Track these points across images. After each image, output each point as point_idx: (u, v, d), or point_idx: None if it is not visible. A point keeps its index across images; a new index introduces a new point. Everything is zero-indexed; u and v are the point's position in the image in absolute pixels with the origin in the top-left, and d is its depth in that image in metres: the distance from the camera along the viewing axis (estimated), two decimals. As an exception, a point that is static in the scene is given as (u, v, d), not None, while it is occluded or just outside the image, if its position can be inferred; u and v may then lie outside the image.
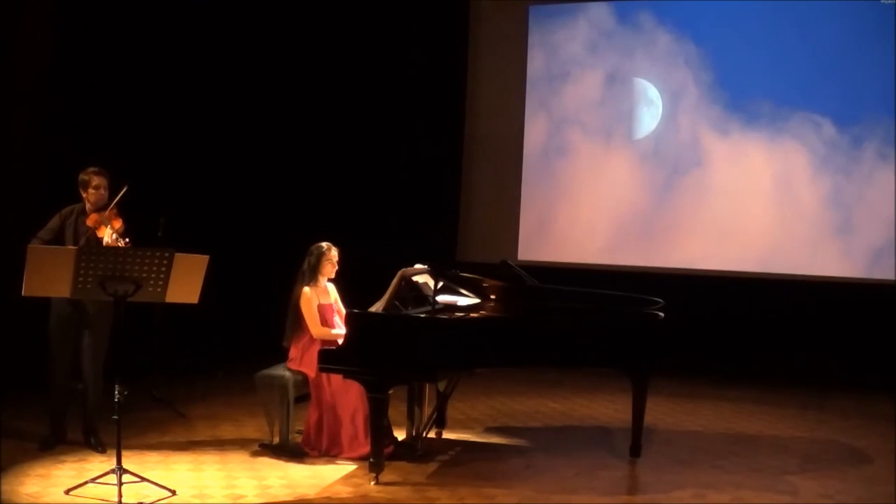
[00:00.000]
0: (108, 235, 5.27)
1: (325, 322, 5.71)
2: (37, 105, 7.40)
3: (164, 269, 4.70)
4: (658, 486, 5.24)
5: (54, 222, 5.54)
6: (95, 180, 5.53)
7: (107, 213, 5.39)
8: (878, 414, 7.20)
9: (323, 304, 5.74)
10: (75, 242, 5.40)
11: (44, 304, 5.46)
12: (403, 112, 10.14)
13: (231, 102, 9.01)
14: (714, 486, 5.21)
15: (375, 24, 10.04)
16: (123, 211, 5.45)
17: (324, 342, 5.55)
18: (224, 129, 8.95)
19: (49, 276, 4.64)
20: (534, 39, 10.08)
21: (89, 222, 5.41)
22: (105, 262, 4.63)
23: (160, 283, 4.72)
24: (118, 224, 5.35)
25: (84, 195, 5.57)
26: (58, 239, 5.44)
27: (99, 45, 7.81)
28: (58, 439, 5.61)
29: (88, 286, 4.66)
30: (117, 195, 5.43)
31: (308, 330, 5.69)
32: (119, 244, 5.21)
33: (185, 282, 4.77)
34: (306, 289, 5.68)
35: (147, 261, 4.67)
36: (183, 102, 8.51)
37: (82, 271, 4.61)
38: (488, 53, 10.26)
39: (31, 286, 4.71)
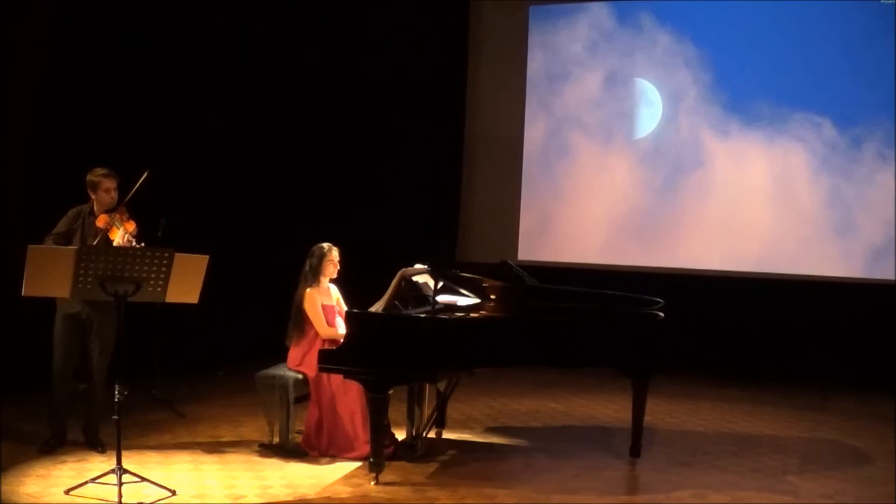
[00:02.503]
0: (119, 237, 5.22)
1: (328, 323, 5.71)
2: (36, 106, 7.40)
3: (164, 269, 4.70)
4: (658, 486, 5.24)
5: (63, 225, 5.47)
6: (106, 183, 5.47)
7: (117, 214, 5.34)
8: (878, 414, 7.20)
9: (325, 304, 5.74)
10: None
11: (45, 304, 5.41)
12: (404, 112, 10.14)
13: (231, 103, 9.01)
14: (714, 486, 5.21)
15: (376, 24, 10.04)
16: (130, 210, 5.41)
17: (326, 342, 5.57)
18: (224, 129, 8.95)
19: (49, 276, 4.64)
20: (534, 39, 10.08)
21: (99, 223, 5.35)
22: (105, 262, 4.63)
23: (160, 283, 4.72)
24: (131, 227, 5.30)
25: (93, 197, 5.51)
26: (67, 242, 5.36)
27: (97, 45, 7.81)
28: (58, 442, 5.55)
29: (88, 286, 4.65)
30: (136, 184, 5.33)
31: (309, 332, 5.69)
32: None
33: (185, 282, 4.77)
34: (310, 290, 5.68)
35: (147, 261, 4.67)
36: (183, 102, 8.50)
37: (82, 271, 4.61)
38: (488, 53, 10.26)
39: (31, 286, 4.71)
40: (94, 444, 5.56)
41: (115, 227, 5.27)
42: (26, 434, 5.74)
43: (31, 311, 5.55)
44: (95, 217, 5.43)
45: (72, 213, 5.53)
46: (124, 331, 4.94)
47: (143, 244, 5.20)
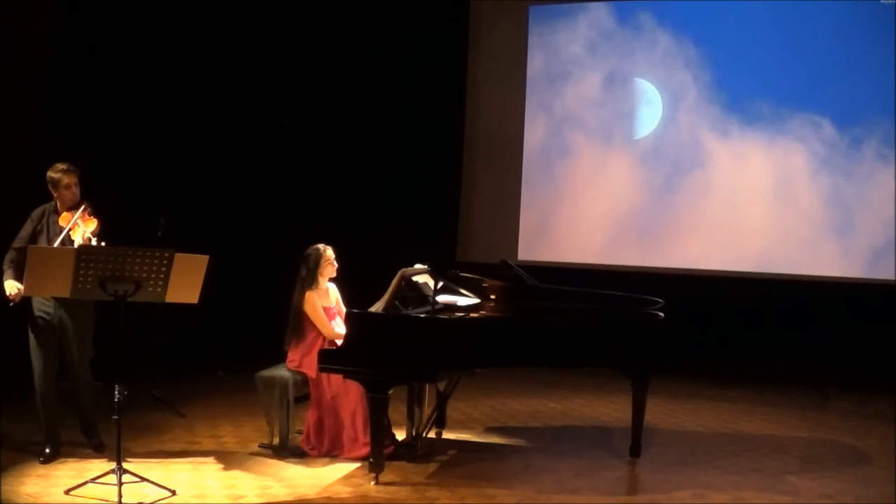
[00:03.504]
0: (80, 236, 5.12)
1: (327, 324, 5.72)
2: (34, 104, 7.38)
3: (164, 269, 4.69)
4: (658, 486, 5.24)
5: (26, 229, 5.36)
6: (66, 179, 5.34)
7: (79, 212, 5.22)
8: (878, 414, 7.20)
9: (324, 306, 5.73)
10: (51, 244, 5.24)
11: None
12: (403, 112, 10.14)
13: (231, 101, 9.01)
14: (714, 486, 5.21)
15: (375, 24, 10.04)
16: (112, 210, 5.31)
17: (326, 342, 5.57)
18: (224, 129, 8.94)
19: (49, 276, 4.64)
20: (534, 40, 10.08)
21: (62, 222, 5.25)
22: (105, 262, 4.62)
23: (160, 283, 4.72)
24: (92, 225, 5.20)
25: (55, 194, 5.38)
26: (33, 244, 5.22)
27: (97, 43, 7.80)
28: (54, 450, 5.43)
29: (88, 286, 4.65)
30: (76, 214, 5.21)
31: (308, 334, 5.68)
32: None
33: (185, 282, 4.76)
34: (309, 292, 5.67)
35: (147, 261, 4.66)
36: (183, 102, 8.50)
37: (82, 271, 4.60)
38: (488, 53, 10.26)
39: (31, 286, 4.72)
40: (93, 442, 5.52)
41: (76, 226, 5.16)
42: (27, 435, 5.73)
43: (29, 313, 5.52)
44: (58, 215, 5.33)
45: (35, 213, 5.42)
46: (124, 331, 4.92)
47: (104, 243, 5.06)
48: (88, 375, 5.51)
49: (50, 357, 5.42)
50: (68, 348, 5.45)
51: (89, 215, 5.27)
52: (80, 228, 5.17)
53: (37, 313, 5.37)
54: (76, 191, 5.39)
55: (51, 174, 5.38)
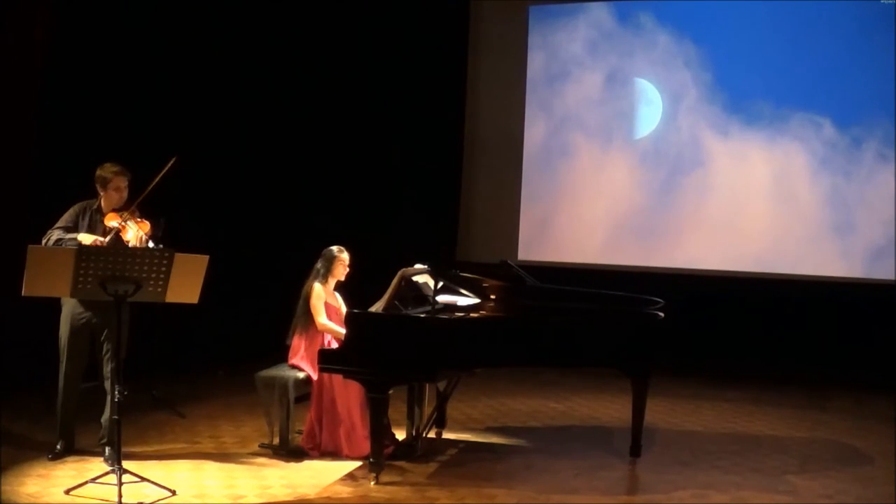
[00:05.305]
0: (134, 238, 5.07)
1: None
2: (34, 104, 7.38)
3: (164, 269, 4.69)
4: (658, 486, 5.24)
5: (69, 218, 5.27)
6: (117, 181, 5.25)
7: (128, 213, 5.16)
8: (878, 414, 7.20)
9: (329, 304, 5.75)
10: None
11: (46, 305, 5.29)
12: (403, 112, 10.14)
13: (231, 102, 9.01)
14: (714, 486, 5.21)
15: (376, 24, 10.05)
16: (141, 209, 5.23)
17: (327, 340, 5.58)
18: (224, 129, 8.94)
19: (49, 276, 4.62)
20: (534, 40, 10.08)
21: (108, 221, 5.17)
22: (105, 262, 4.61)
23: (160, 283, 4.72)
24: (146, 227, 5.15)
25: (102, 193, 5.29)
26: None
27: (96, 42, 7.80)
28: (67, 449, 5.38)
29: (88, 286, 4.64)
30: (164, 168, 5.10)
31: (313, 326, 5.69)
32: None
33: (186, 282, 4.76)
34: (317, 284, 5.71)
35: (147, 261, 4.66)
36: (182, 101, 8.50)
37: (82, 271, 4.60)
38: (488, 54, 10.27)
39: (31, 286, 4.70)
40: (107, 455, 5.33)
41: (126, 227, 5.11)
42: (27, 434, 5.73)
43: (31, 312, 5.51)
44: (103, 215, 5.26)
45: (77, 208, 5.33)
46: (124, 331, 4.91)
47: (161, 245, 5.00)
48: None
49: (80, 359, 5.33)
50: (102, 354, 5.31)
51: (141, 219, 5.18)
52: (134, 230, 5.11)
53: (70, 314, 5.29)
54: (125, 194, 5.28)
55: (101, 173, 5.27)
